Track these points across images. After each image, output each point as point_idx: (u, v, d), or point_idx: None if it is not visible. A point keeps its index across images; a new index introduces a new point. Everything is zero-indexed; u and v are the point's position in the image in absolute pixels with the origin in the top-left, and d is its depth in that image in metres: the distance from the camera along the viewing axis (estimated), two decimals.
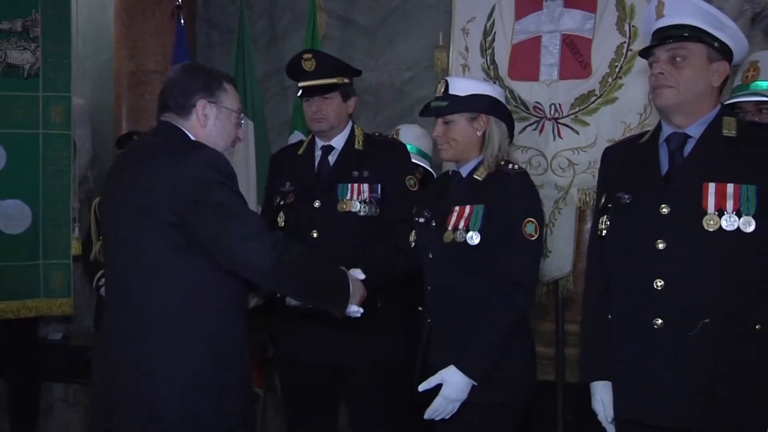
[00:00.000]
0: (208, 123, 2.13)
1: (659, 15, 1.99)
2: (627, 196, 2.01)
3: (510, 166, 2.35)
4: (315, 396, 2.81)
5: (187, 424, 1.96)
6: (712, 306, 1.87)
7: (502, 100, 2.46)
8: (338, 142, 2.87)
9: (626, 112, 3.02)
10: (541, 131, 3.14)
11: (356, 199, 2.76)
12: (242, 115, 2.26)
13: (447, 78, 2.45)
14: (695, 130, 1.98)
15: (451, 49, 3.35)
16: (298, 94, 2.92)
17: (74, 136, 4.40)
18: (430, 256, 2.39)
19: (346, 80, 2.86)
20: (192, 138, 2.11)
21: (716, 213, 1.87)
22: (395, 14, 4.74)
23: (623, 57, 3.05)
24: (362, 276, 2.35)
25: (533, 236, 2.26)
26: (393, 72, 4.74)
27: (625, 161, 2.10)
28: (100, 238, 4.04)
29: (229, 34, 4.94)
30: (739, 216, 1.85)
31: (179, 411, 1.95)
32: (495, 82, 3.16)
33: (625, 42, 3.05)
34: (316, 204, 2.79)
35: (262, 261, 1.99)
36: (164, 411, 1.94)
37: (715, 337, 1.86)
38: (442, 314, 2.36)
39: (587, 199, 3.07)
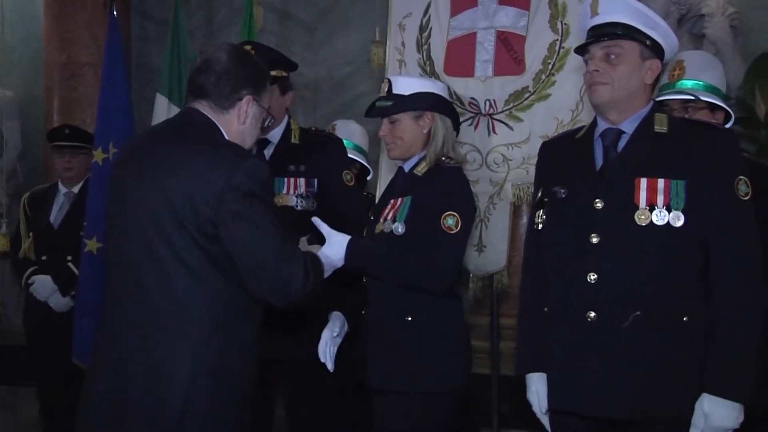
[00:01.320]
0: (247, 121, 1.99)
1: (594, 13, 2.02)
2: (563, 191, 2.03)
3: (447, 161, 2.39)
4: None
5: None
6: (643, 299, 1.90)
7: (446, 95, 2.50)
8: (274, 135, 2.84)
9: (559, 109, 3.07)
10: (476, 127, 3.17)
11: (293, 194, 2.74)
12: (271, 116, 2.15)
13: (390, 77, 2.47)
14: (629, 126, 2.01)
15: (387, 44, 3.35)
16: None
17: (2, 129, 4.26)
18: None
19: (284, 73, 2.83)
20: (225, 135, 1.96)
21: (647, 208, 1.90)
22: (334, 9, 4.73)
23: (556, 54, 3.10)
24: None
25: (452, 230, 2.28)
26: (332, 67, 4.73)
27: (562, 156, 2.12)
28: (30, 234, 3.94)
29: (164, 26, 4.85)
30: (669, 210, 1.89)
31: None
32: (431, 78, 3.18)
33: (557, 39, 3.10)
34: None
35: (294, 288, 1.88)
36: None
37: (646, 329, 1.90)
38: (376, 303, 2.39)
39: (521, 195, 3.11)
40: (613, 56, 1.97)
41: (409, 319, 2.31)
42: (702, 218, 1.90)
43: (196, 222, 1.83)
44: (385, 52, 3.37)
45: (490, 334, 3.27)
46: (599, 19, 2.00)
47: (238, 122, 1.98)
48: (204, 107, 1.97)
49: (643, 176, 1.93)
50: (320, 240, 2.35)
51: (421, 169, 2.39)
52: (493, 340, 3.26)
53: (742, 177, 1.94)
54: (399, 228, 2.32)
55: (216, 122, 1.96)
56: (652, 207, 1.90)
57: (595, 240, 1.94)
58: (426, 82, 2.51)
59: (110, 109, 3.88)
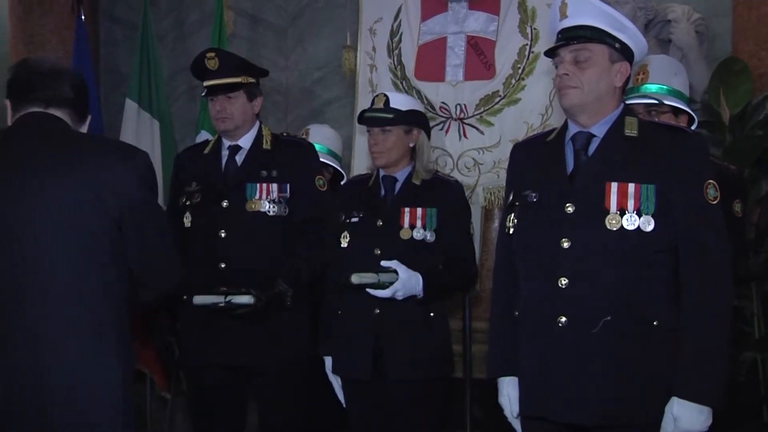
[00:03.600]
0: None
1: (563, 15, 2.01)
2: (534, 195, 2.02)
3: (442, 174, 2.74)
4: (222, 397, 2.77)
5: None
6: (613, 303, 1.89)
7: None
8: (245, 141, 2.84)
9: (529, 113, 3.11)
10: (447, 131, 3.20)
11: (265, 199, 2.73)
12: None
13: (385, 93, 2.67)
14: (599, 130, 2.00)
15: (358, 49, 3.36)
16: (203, 93, 2.87)
17: None
18: (377, 252, 2.53)
19: (251, 80, 2.82)
20: None
21: (618, 212, 1.90)
22: (305, 13, 4.72)
23: (526, 59, 3.14)
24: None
25: (473, 233, 2.73)
26: (303, 71, 4.71)
27: (533, 159, 2.11)
28: None
29: (133, 31, 4.80)
30: (640, 215, 1.89)
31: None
32: (402, 83, 3.21)
33: (527, 44, 3.14)
34: (224, 204, 2.74)
35: (180, 275, 2.05)
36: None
37: (616, 335, 1.89)
38: (394, 303, 2.50)
39: (492, 198, 3.15)
40: (581, 60, 1.97)
41: (432, 314, 2.57)
42: (671, 222, 1.90)
43: (112, 215, 1.89)
44: (356, 57, 3.38)
45: (463, 338, 3.29)
46: (568, 22, 2.00)
47: None
48: (63, 114, 2.01)
49: (614, 180, 1.92)
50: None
51: (416, 179, 2.62)
52: (465, 344, 3.28)
53: (711, 181, 1.93)
54: (428, 236, 2.56)
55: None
56: (622, 211, 1.90)
57: (566, 245, 1.93)
58: (414, 100, 2.80)
59: None
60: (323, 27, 4.60)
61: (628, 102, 2.50)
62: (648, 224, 1.89)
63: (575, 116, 2.02)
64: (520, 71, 3.13)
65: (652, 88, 2.61)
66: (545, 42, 3.13)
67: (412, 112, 2.62)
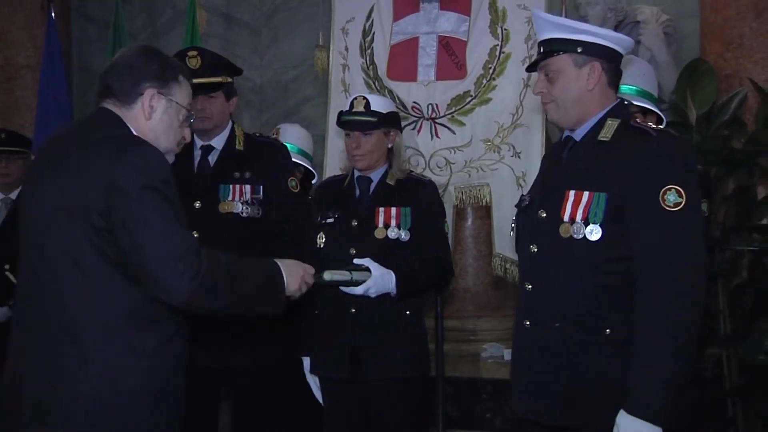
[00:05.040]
0: (154, 116, 1.86)
1: (536, 32, 2.08)
2: (527, 198, 2.07)
3: (416, 174, 2.77)
4: (195, 398, 2.75)
5: None
6: (562, 311, 1.90)
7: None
8: (218, 142, 2.82)
9: (500, 112, 3.14)
10: (419, 131, 3.22)
11: (238, 200, 2.72)
12: (192, 113, 2.01)
13: (364, 96, 2.66)
14: (579, 135, 2.01)
15: (331, 48, 3.37)
16: None
17: None
18: (353, 252, 2.55)
19: (229, 79, 2.82)
20: (133, 131, 1.84)
21: (569, 221, 1.91)
22: (279, 12, 4.73)
23: (496, 59, 3.17)
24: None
25: (447, 232, 2.78)
26: (278, 71, 4.72)
27: (545, 162, 2.17)
28: None
29: (106, 29, 4.77)
30: (587, 224, 1.87)
31: None
32: (374, 83, 3.22)
33: (498, 44, 3.17)
34: (197, 205, 2.73)
35: (181, 287, 1.71)
36: None
37: (567, 341, 1.89)
38: (372, 301, 2.51)
39: (464, 198, 3.17)
40: (550, 74, 2.00)
41: (408, 313, 2.58)
42: (625, 231, 1.86)
43: (88, 218, 1.72)
44: (328, 56, 3.39)
45: (435, 336, 3.31)
46: (539, 38, 2.05)
47: (143, 118, 1.87)
48: (111, 105, 1.88)
49: (572, 189, 1.93)
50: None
51: (391, 179, 2.64)
52: (438, 342, 3.30)
53: (673, 186, 1.82)
54: (403, 235, 2.58)
55: (124, 120, 1.85)
56: (573, 220, 1.91)
57: (533, 249, 1.97)
58: (390, 102, 2.81)
59: (49, 113, 3.82)
60: (298, 26, 4.60)
61: None
62: (594, 233, 1.87)
63: (566, 126, 2.05)
64: (491, 71, 3.16)
65: (621, 88, 2.64)
66: (516, 42, 3.17)
67: (391, 114, 2.65)
